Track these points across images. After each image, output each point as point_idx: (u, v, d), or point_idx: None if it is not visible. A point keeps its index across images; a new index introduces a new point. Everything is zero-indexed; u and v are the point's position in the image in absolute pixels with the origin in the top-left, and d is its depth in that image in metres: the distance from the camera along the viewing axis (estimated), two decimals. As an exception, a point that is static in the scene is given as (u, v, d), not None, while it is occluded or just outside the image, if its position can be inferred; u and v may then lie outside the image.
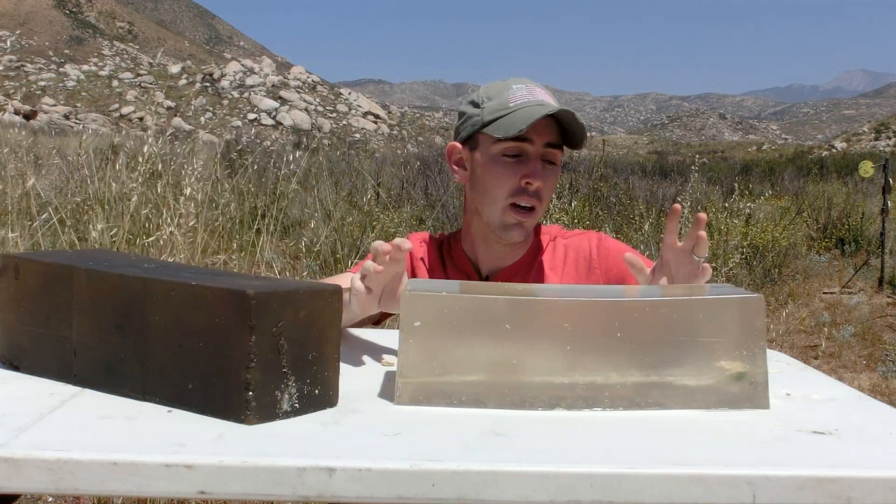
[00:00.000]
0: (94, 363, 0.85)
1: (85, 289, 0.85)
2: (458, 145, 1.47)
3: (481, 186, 1.41)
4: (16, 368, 0.92)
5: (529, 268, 1.47)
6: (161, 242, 3.66)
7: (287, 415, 0.77)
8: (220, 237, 5.15)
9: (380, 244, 1.01)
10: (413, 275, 1.48)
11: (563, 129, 1.38)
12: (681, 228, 7.11)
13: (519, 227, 1.39)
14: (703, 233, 1.10)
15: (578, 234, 1.52)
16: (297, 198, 6.92)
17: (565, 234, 1.53)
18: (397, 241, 1.01)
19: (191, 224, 3.78)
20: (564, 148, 1.42)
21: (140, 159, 4.10)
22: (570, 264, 1.48)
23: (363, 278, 1.05)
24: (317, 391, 0.80)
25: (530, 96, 1.37)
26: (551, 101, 1.38)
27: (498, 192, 1.38)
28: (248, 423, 0.74)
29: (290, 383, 0.77)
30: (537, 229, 1.52)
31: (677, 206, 1.14)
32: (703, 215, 1.09)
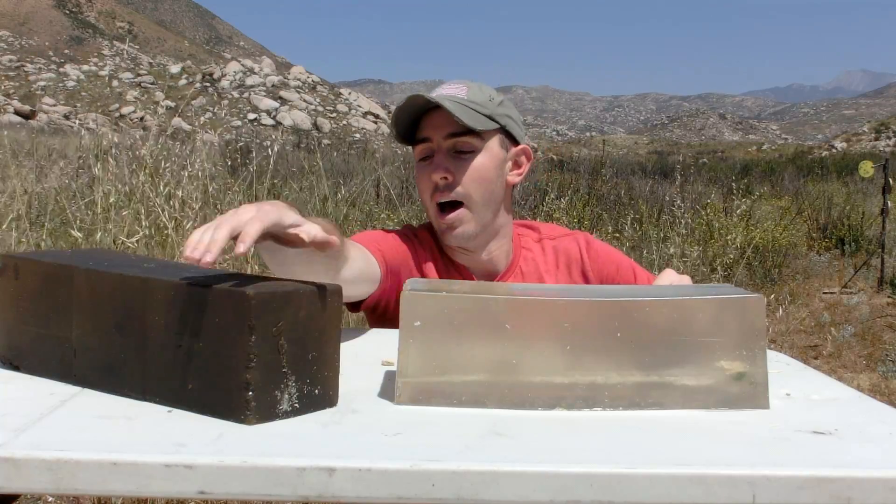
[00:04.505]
0: (94, 363, 0.85)
1: (85, 289, 0.85)
2: None
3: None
4: (16, 368, 0.92)
5: (522, 275, 1.45)
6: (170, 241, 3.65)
7: (287, 415, 0.77)
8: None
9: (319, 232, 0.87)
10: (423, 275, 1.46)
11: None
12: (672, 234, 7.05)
13: (450, 229, 1.34)
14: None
15: (565, 235, 1.50)
16: (297, 198, 6.91)
17: (551, 234, 1.50)
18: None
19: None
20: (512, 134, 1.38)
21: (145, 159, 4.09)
22: (563, 268, 1.46)
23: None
24: (317, 391, 0.80)
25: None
26: (455, 93, 1.33)
27: (424, 197, 1.37)
28: (248, 423, 0.74)
29: (290, 383, 0.77)
30: (528, 231, 1.49)
31: None
32: None
